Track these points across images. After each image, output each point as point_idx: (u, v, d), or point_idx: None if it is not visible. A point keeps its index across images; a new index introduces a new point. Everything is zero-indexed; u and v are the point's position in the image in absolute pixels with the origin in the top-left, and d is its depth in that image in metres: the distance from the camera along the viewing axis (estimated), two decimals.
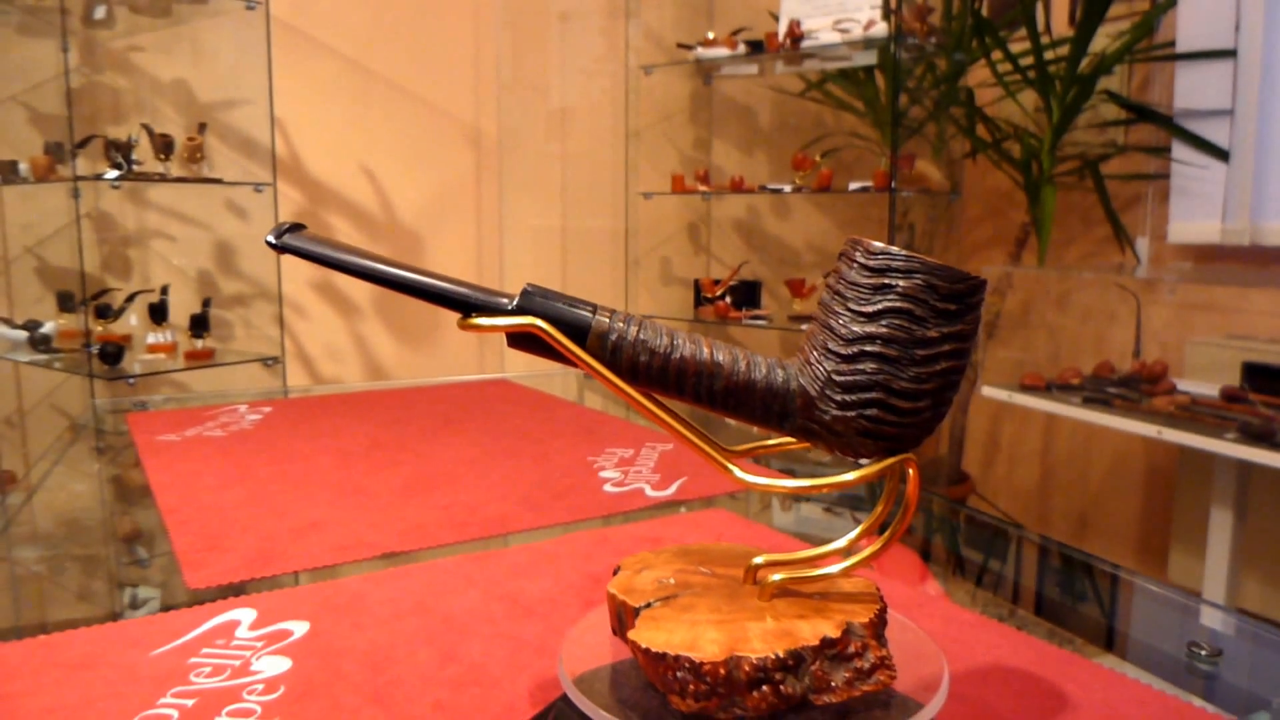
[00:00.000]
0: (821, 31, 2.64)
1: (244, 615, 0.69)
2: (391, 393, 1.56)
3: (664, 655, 0.42)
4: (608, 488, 0.99)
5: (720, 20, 3.08)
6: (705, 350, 0.47)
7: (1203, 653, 0.60)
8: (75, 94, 2.30)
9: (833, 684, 0.42)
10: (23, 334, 2.26)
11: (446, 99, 2.85)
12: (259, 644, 0.65)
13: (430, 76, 2.81)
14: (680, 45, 2.96)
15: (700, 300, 2.95)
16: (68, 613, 0.78)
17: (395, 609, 0.70)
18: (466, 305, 0.48)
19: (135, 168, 2.22)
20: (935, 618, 0.68)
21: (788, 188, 2.79)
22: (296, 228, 0.52)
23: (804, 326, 2.78)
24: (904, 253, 0.44)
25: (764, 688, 0.41)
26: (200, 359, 2.30)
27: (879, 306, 0.43)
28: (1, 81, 2.33)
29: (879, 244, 0.45)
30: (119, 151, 2.19)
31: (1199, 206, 2.34)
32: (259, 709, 0.56)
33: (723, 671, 0.41)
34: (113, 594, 0.80)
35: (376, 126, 2.74)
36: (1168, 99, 2.39)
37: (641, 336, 0.48)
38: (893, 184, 2.48)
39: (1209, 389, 2.05)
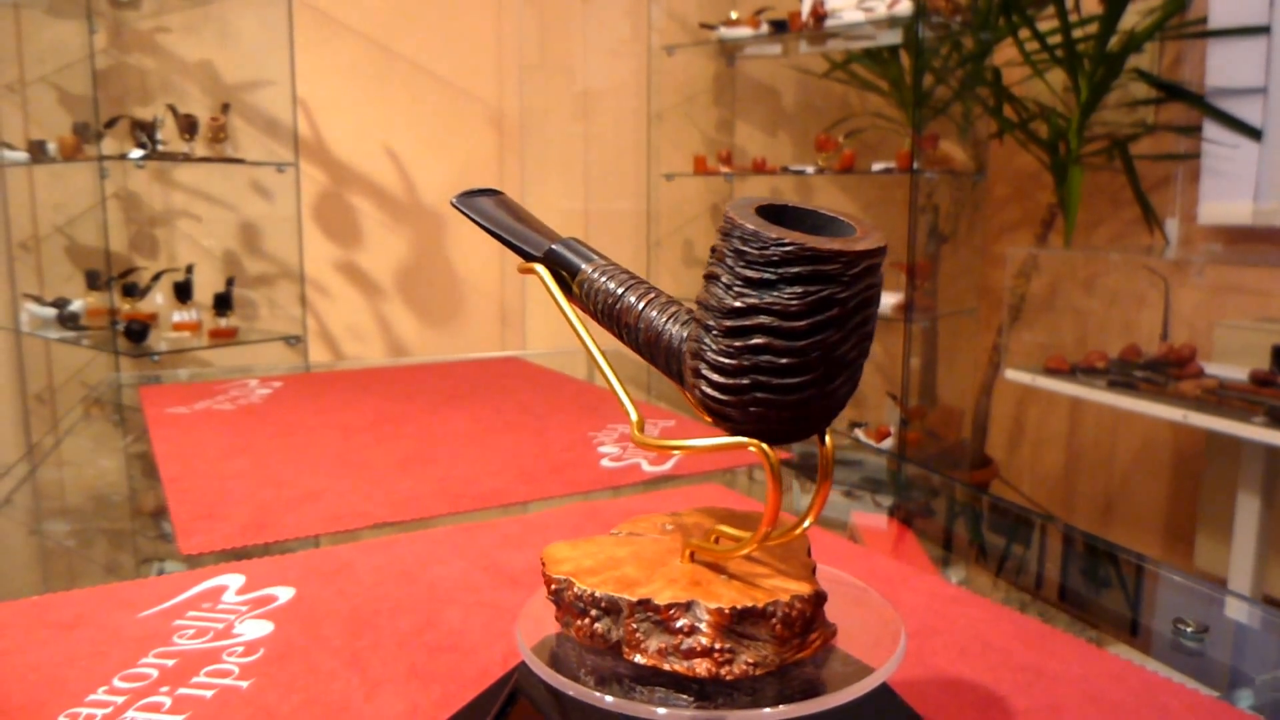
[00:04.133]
0: (845, 10, 2.61)
1: (232, 580, 0.70)
2: (402, 369, 1.58)
3: (541, 561, 0.47)
4: (605, 463, 0.99)
5: (744, 0, 3.06)
6: (643, 302, 0.47)
7: (1188, 629, 0.60)
8: (103, 75, 2.33)
9: (644, 646, 0.42)
10: (52, 311, 2.30)
11: (469, 80, 2.85)
12: (244, 608, 0.66)
13: (453, 57, 2.82)
14: (703, 25, 2.95)
15: None
16: (65, 577, 0.79)
17: (381, 576, 0.71)
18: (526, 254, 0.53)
19: (160, 148, 2.25)
20: (920, 592, 0.67)
21: (810, 169, 2.76)
22: (490, 193, 0.57)
23: None
24: (731, 213, 0.41)
25: (585, 619, 0.44)
26: (224, 337, 2.33)
27: (707, 271, 0.42)
28: (31, 63, 2.37)
29: (739, 203, 0.43)
30: (144, 131, 2.22)
31: (1230, 187, 2.30)
32: (236, 669, 0.57)
33: (554, 587, 0.45)
34: (108, 560, 0.82)
35: (399, 107, 2.75)
36: (1199, 77, 2.34)
37: (609, 285, 0.48)
38: (914, 165, 2.45)
39: (1238, 372, 2.01)
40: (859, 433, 2.72)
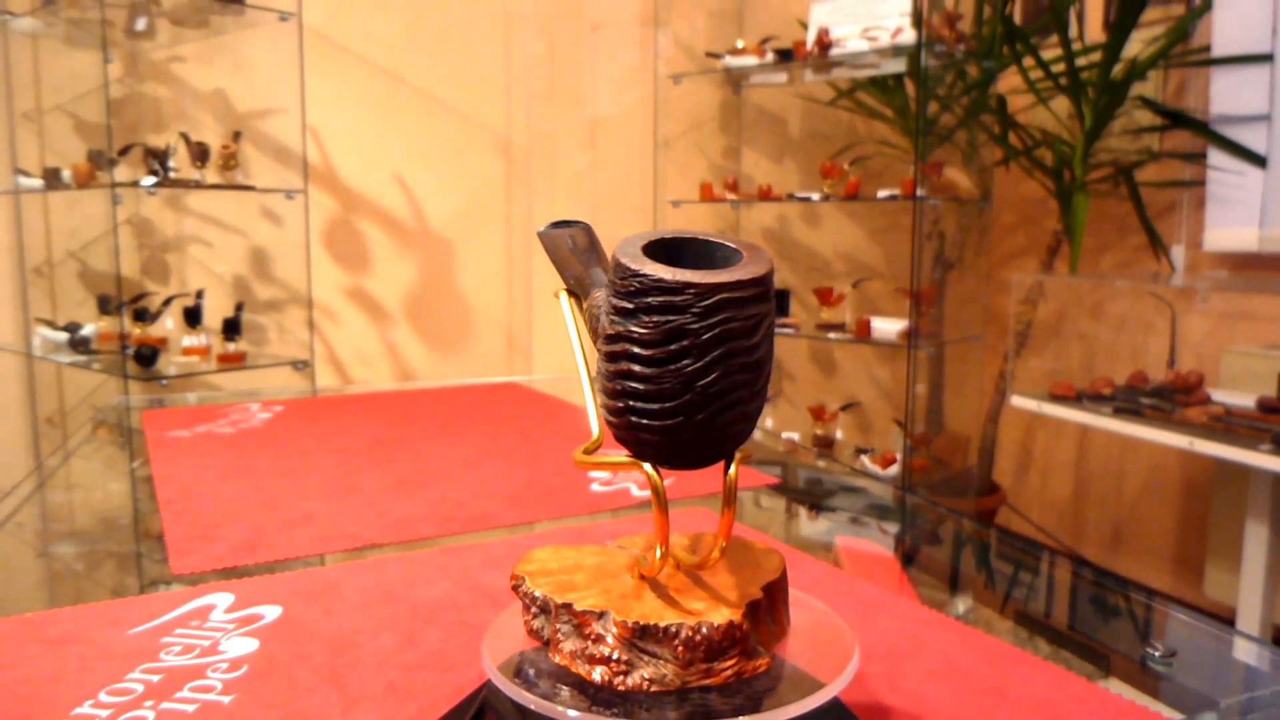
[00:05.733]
0: (850, 39, 2.64)
1: (220, 599, 0.71)
2: (402, 394, 1.60)
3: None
4: (595, 487, 1.00)
5: (749, 29, 3.09)
6: (613, 327, 0.49)
7: (1156, 654, 0.60)
8: (118, 103, 2.38)
9: (562, 646, 0.46)
10: (64, 336, 2.33)
11: (478, 108, 2.89)
12: (230, 626, 0.67)
13: (462, 86, 2.86)
14: (709, 54, 2.98)
15: None
16: (58, 596, 0.81)
17: (366, 596, 0.72)
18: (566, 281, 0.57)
19: (172, 175, 2.29)
20: (895, 616, 0.68)
21: (816, 196, 2.78)
22: (574, 224, 0.60)
23: (831, 335, 2.78)
24: (618, 248, 0.44)
25: (529, 615, 0.48)
26: (232, 362, 2.36)
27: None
28: (48, 92, 2.42)
29: (639, 235, 0.45)
30: (156, 159, 2.26)
31: (1236, 213, 2.30)
32: (220, 685, 0.59)
33: (513, 583, 0.50)
34: (102, 579, 0.83)
35: (408, 135, 2.79)
36: (1203, 104, 2.35)
37: (597, 311, 0.51)
38: (917, 191, 2.46)
39: (1245, 399, 2.00)
40: (864, 459, 2.72)
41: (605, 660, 0.44)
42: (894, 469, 2.62)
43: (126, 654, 0.63)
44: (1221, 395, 2.07)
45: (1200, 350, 2.40)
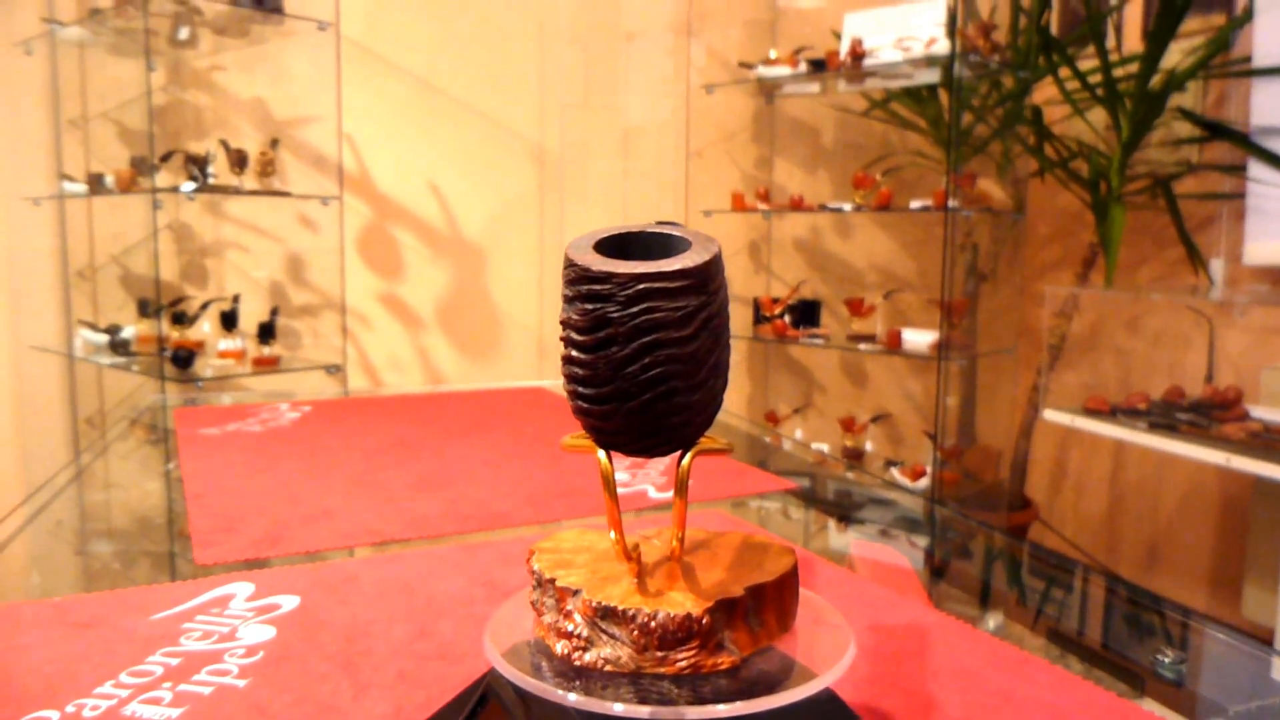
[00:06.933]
0: (883, 50, 2.64)
1: (241, 589, 0.73)
2: (429, 396, 1.61)
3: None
4: None
5: (783, 39, 3.10)
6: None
7: (1166, 660, 0.59)
8: (161, 111, 2.43)
9: (543, 619, 0.49)
10: (104, 338, 2.39)
11: (512, 116, 2.92)
12: (250, 614, 0.68)
13: (496, 95, 2.89)
14: (742, 64, 2.99)
15: (759, 318, 2.95)
16: (86, 583, 0.83)
17: (382, 589, 0.73)
18: None
19: (211, 181, 2.34)
20: (904, 618, 0.68)
21: (848, 206, 2.78)
22: (670, 226, 0.61)
23: (862, 346, 2.76)
24: (574, 240, 0.46)
25: (530, 586, 0.51)
26: (266, 365, 2.40)
27: None
28: (93, 99, 2.48)
29: (603, 230, 0.47)
30: (196, 165, 2.30)
31: (1276, 226, 2.26)
32: (236, 669, 0.60)
33: (526, 561, 0.52)
34: (128, 569, 0.85)
35: (443, 143, 2.83)
36: (1243, 116, 2.32)
37: None
38: (949, 202, 2.45)
39: None
40: (894, 471, 2.70)
41: (568, 635, 0.46)
42: (924, 481, 2.60)
43: (148, 638, 0.64)
44: (1261, 412, 2.03)
45: (1239, 365, 2.36)
